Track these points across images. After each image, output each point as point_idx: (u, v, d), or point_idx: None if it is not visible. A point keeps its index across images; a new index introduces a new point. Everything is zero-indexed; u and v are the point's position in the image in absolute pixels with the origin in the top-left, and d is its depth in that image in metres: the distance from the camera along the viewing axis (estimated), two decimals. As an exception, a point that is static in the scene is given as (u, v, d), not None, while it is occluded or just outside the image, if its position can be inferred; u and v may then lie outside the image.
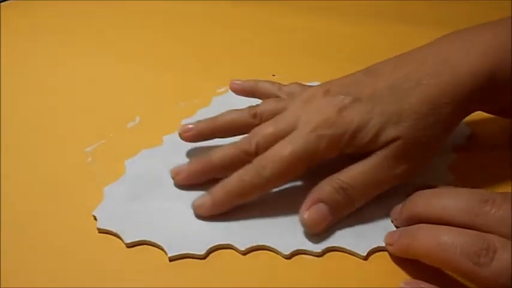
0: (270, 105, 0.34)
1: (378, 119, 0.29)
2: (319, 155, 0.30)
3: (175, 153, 0.36)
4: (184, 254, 0.28)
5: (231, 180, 0.30)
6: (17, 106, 0.44)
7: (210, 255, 0.28)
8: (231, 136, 0.34)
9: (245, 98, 0.39)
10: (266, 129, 0.32)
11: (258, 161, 0.30)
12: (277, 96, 0.37)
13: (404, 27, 0.55)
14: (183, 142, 0.37)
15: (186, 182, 0.33)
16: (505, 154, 0.34)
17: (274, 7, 0.63)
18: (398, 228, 0.28)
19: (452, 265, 0.23)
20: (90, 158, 0.36)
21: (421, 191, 0.28)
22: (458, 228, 0.24)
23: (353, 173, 0.29)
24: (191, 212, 0.31)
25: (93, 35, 0.59)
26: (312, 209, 0.28)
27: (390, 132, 0.29)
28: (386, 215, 0.29)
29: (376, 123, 0.29)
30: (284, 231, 0.29)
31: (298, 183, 0.32)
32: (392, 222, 0.29)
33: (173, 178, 0.33)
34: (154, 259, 0.28)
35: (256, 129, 0.32)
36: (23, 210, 0.32)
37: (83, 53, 0.54)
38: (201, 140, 0.35)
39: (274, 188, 0.31)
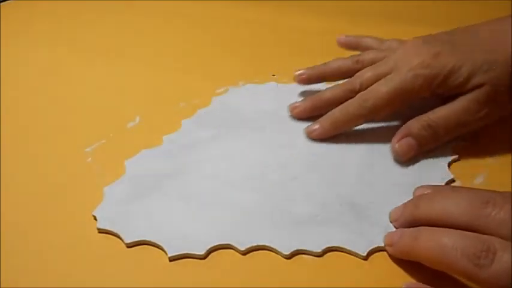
0: (370, 54, 0.39)
1: (469, 65, 0.33)
2: (414, 93, 0.34)
3: (175, 153, 0.36)
4: (184, 254, 0.28)
5: (337, 110, 0.36)
6: (17, 106, 0.44)
7: (210, 255, 0.28)
8: (337, 80, 0.40)
9: (246, 99, 0.39)
10: (368, 72, 0.37)
11: (360, 95, 0.36)
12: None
13: (404, 27, 0.55)
14: (183, 142, 0.37)
15: (301, 116, 0.39)
16: (505, 154, 0.34)
17: (274, 7, 0.63)
18: (398, 230, 0.28)
19: (453, 267, 0.23)
20: (90, 158, 0.36)
21: (422, 194, 0.29)
22: (459, 231, 0.24)
23: (441, 113, 0.34)
24: (191, 212, 0.31)
25: (93, 35, 0.59)
26: (402, 141, 0.34)
27: (478, 79, 0.33)
28: (386, 215, 0.29)
29: (467, 69, 0.33)
30: (284, 231, 0.29)
31: (299, 184, 0.33)
32: (391, 222, 0.29)
33: (290, 112, 0.39)
34: (154, 259, 0.28)
35: (359, 72, 0.38)
36: (23, 210, 0.32)
37: (82, 53, 0.54)
38: (312, 83, 0.41)
39: (372, 119, 0.36)
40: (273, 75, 0.46)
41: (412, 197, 0.30)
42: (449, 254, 0.23)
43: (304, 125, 0.38)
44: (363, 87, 0.36)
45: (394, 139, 0.34)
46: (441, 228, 0.25)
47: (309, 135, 0.37)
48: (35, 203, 0.33)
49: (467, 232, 0.24)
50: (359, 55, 0.40)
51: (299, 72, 0.41)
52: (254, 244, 0.28)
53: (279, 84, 0.45)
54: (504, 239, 0.23)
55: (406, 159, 0.34)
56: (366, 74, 0.37)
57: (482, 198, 0.24)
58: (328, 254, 0.28)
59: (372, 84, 0.36)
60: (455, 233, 0.24)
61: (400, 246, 0.26)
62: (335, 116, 0.36)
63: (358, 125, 0.36)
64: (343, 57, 0.40)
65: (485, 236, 0.23)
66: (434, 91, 0.34)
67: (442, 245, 0.24)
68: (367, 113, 0.35)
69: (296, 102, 0.39)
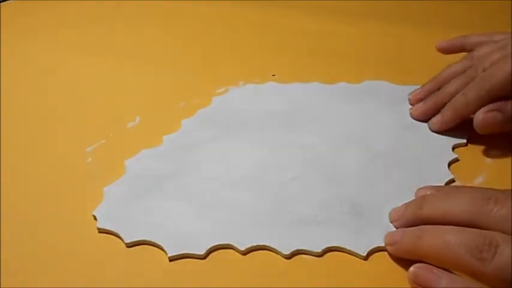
0: (486, 48, 0.37)
1: None
2: None
3: (175, 153, 0.36)
4: (184, 254, 0.28)
5: (456, 98, 0.35)
6: (17, 106, 0.44)
7: (210, 255, 0.28)
8: None
9: (246, 99, 0.39)
10: (492, 57, 0.35)
11: (479, 78, 0.34)
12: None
13: (405, 28, 0.55)
14: (183, 142, 0.37)
15: (425, 116, 0.37)
16: (505, 154, 0.34)
17: (274, 7, 0.63)
18: (399, 229, 0.28)
19: (457, 263, 0.24)
20: (90, 158, 0.36)
21: (424, 195, 0.29)
22: (462, 227, 0.24)
23: None
24: (191, 212, 0.31)
25: (93, 35, 0.59)
26: (489, 113, 0.33)
27: None
28: (386, 215, 0.29)
29: None
30: (284, 231, 0.29)
31: (299, 184, 0.33)
32: (391, 222, 0.29)
33: (411, 113, 0.38)
34: (154, 259, 0.28)
35: (481, 56, 0.36)
36: (23, 210, 0.32)
37: (82, 53, 0.54)
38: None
39: (491, 101, 0.33)
40: (273, 75, 0.46)
41: (412, 197, 0.30)
42: (452, 250, 0.23)
43: (304, 125, 0.38)
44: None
45: (482, 109, 0.33)
46: (444, 226, 0.25)
47: (431, 127, 0.36)
48: (35, 203, 0.33)
49: (469, 228, 0.24)
50: (472, 52, 0.38)
51: (414, 94, 0.40)
52: (254, 244, 0.28)
53: (279, 84, 0.45)
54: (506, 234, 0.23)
55: (485, 132, 0.33)
56: (492, 56, 0.35)
57: (484, 195, 0.25)
58: (328, 254, 0.28)
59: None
60: (458, 229, 0.24)
61: (402, 245, 0.26)
62: (454, 103, 0.35)
63: (477, 110, 0.34)
64: (455, 62, 0.38)
65: (487, 231, 0.23)
66: None
67: (445, 242, 0.24)
68: (485, 94, 0.33)
69: (416, 105, 0.38)
